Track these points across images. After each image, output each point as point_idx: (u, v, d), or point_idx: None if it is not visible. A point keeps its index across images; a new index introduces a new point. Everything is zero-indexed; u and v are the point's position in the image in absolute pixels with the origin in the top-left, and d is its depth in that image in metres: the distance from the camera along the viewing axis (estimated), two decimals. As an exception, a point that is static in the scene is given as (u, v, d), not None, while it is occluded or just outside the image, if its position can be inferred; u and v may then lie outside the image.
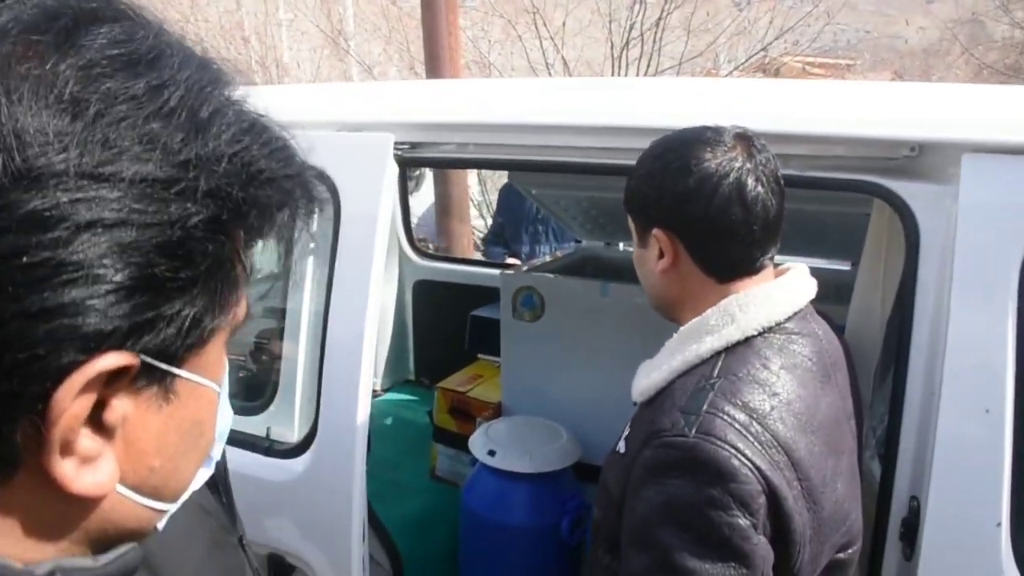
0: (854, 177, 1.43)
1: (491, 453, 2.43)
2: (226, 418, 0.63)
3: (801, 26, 9.12)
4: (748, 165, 1.18)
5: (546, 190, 2.97)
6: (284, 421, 1.92)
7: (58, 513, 0.46)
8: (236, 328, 0.53)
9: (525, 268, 2.92)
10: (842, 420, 1.28)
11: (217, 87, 0.48)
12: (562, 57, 8.95)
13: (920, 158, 1.39)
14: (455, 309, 3.47)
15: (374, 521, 1.94)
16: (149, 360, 0.45)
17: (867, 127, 1.45)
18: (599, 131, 1.56)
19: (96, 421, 0.44)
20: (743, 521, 1.08)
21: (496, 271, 3.34)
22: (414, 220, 4.24)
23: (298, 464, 1.76)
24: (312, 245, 2.02)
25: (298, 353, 1.94)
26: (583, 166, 1.63)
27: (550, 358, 2.72)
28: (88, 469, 0.45)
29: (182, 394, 0.49)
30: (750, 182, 1.17)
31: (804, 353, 1.22)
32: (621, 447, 1.28)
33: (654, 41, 8.30)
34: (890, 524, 1.39)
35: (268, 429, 1.88)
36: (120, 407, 0.45)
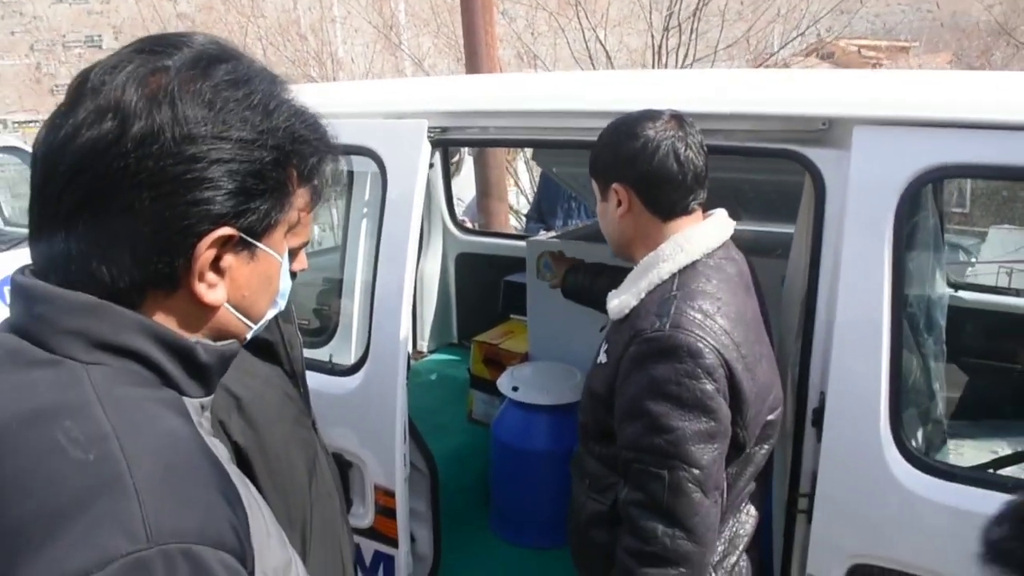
0: (780, 146, 1.83)
1: (515, 389, 2.88)
2: (287, 282, 1.01)
3: (854, 6, 9.30)
4: (680, 134, 1.60)
5: (565, 168, 3.40)
6: (343, 349, 2.42)
7: (196, 315, 0.88)
8: (292, 226, 0.96)
9: (548, 236, 3.35)
10: (759, 320, 1.71)
11: (277, 90, 0.91)
12: (604, 48, 9.28)
13: (829, 131, 1.77)
14: (492, 277, 3.92)
15: (414, 433, 2.40)
16: (242, 235, 0.87)
17: (793, 107, 1.85)
18: (582, 115, 2.00)
19: (216, 265, 0.86)
20: (710, 386, 1.50)
21: (517, 242, 3.79)
22: (458, 203, 4.70)
23: (353, 381, 2.23)
24: (365, 210, 2.49)
25: (354, 297, 2.43)
26: (563, 143, 2.07)
27: (568, 312, 3.14)
28: (212, 290, 0.87)
29: (260, 257, 0.91)
30: (680, 146, 1.59)
31: (731, 272, 1.66)
32: (603, 358, 1.70)
33: (692, 30, 8.61)
34: (807, 415, 1.79)
35: (331, 356, 2.37)
36: (227, 259, 0.87)
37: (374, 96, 2.55)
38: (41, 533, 0.66)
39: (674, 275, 1.62)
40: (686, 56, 8.91)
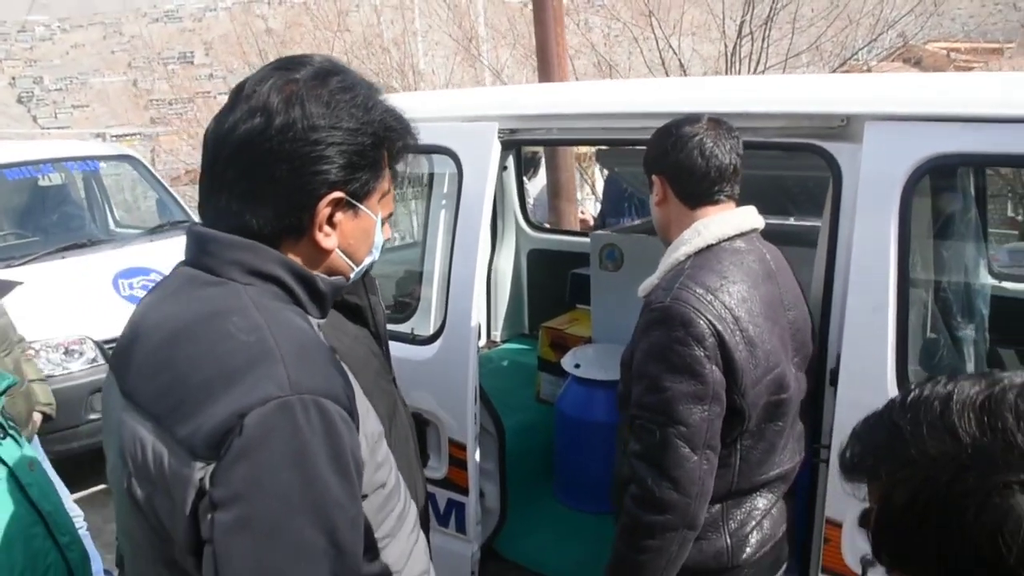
0: (804, 141, 2.08)
1: (577, 367, 3.18)
2: (380, 237, 1.31)
3: (938, 8, 9.28)
4: (710, 133, 1.84)
5: (625, 167, 3.69)
6: (422, 324, 2.76)
7: (315, 257, 1.21)
8: (383, 195, 1.28)
9: (609, 230, 3.64)
10: (777, 304, 1.88)
11: (373, 93, 1.23)
12: (677, 57, 9.49)
13: (848, 127, 2.02)
14: (560, 271, 4.22)
15: (484, 399, 2.71)
16: (348, 197, 1.20)
17: (817, 106, 2.11)
18: (629, 116, 2.30)
19: (330, 220, 1.19)
20: (699, 352, 1.69)
21: (585, 239, 4.08)
22: (530, 202, 5.04)
23: (431, 349, 2.57)
24: (444, 203, 2.83)
25: (433, 279, 2.78)
26: (615, 141, 2.36)
27: (627, 299, 3.42)
28: (327, 238, 1.20)
29: (361, 216, 1.23)
30: (709, 143, 1.83)
31: (748, 258, 1.85)
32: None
33: (763, 38, 8.77)
34: (827, 374, 2.04)
35: (412, 329, 2.72)
36: (338, 215, 1.19)
37: (452, 102, 2.90)
38: (222, 386, 1.00)
39: (689, 256, 1.82)
40: (758, 63, 9.07)
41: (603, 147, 3.87)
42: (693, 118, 1.88)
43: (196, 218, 6.33)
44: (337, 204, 1.17)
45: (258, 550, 0.97)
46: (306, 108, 1.12)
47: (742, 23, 8.85)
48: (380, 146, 1.19)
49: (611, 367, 3.18)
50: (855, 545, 1.98)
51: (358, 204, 1.20)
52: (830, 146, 2.03)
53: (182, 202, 6.56)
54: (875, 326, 1.92)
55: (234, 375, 1.01)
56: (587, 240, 4.33)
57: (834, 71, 9.47)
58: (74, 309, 4.95)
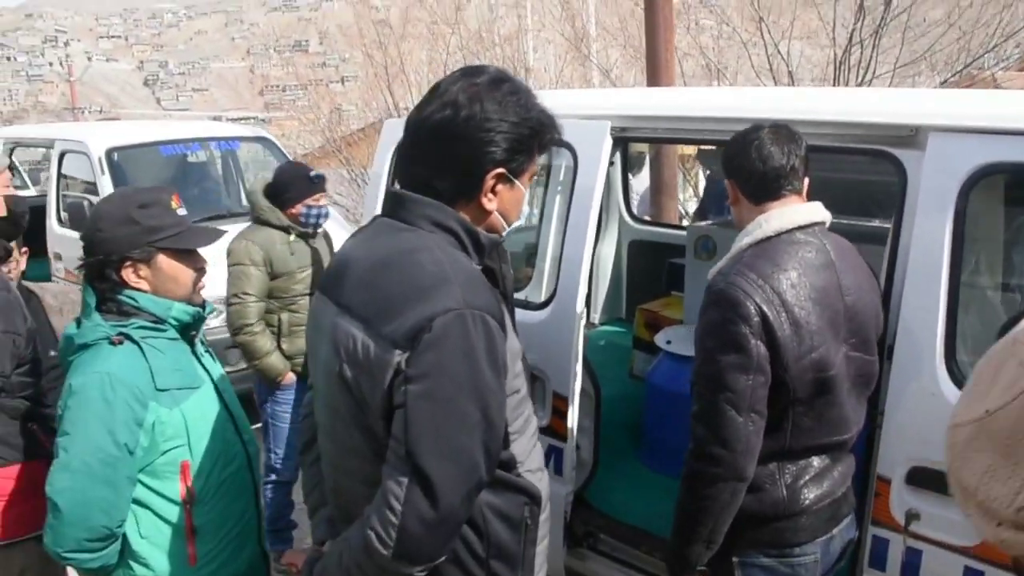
0: (877, 147, 2.40)
1: (668, 343, 3.55)
2: (525, 207, 1.75)
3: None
4: (770, 137, 2.10)
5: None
6: (536, 292, 3.20)
7: (479, 217, 1.62)
8: (532, 174, 1.69)
9: (705, 222, 3.99)
10: (833, 291, 2.04)
11: (533, 97, 1.63)
12: (785, 63, 9.62)
13: (916, 136, 2.33)
14: (657, 260, 4.58)
15: (586, 363, 3.11)
16: (508, 173, 1.61)
17: (889, 117, 2.42)
18: (724, 120, 2.66)
19: (492, 189, 1.61)
20: (744, 329, 1.93)
21: (683, 232, 4.43)
22: (634, 197, 5.41)
23: (542, 314, 2.99)
24: (559, 189, 3.25)
25: (547, 254, 3.20)
26: (710, 141, 2.71)
27: (718, 287, 3.77)
28: (490, 203, 1.61)
29: (515, 189, 1.64)
30: (765, 146, 2.09)
31: (807, 249, 2.07)
32: None
33: (873, 46, 8.82)
34: (885, 351, 2.35)
35: (526, 296, 3.15)
36: (499, 187, 1.60)
37: (571, 101, 3.31)
38: (416, 299, 1.44)
39: (750, 246, 2.06)
40: (867, 71, 9.11)
41: (705, 148, 4.21)
42: (756, 127, 2.14)
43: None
44: (499, 178, 1.58)
45: (436, 414, 1.41)
46: (484, 105, 1.53)
47: (853, 31, 8.92)
48: (534, 137, 1.60)
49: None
50: (902, 500, 2.30)
51: (514, 179, 1.61)
52: (898, 152, 2.35)
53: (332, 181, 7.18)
54: (927, 312, 2.23)
55: (425, 292, 1.45)
56: (683, 233, 4.70)
57: (944, 82, 9.43)
58: (216, 274, 5.58)
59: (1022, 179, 2.27)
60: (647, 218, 5.57)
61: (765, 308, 1.95)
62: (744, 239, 2.10)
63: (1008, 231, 2.44)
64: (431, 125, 1.55)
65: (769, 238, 2.05)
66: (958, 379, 2.21)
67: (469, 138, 1.53)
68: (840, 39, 9.19)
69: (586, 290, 2.92)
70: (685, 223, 5.98)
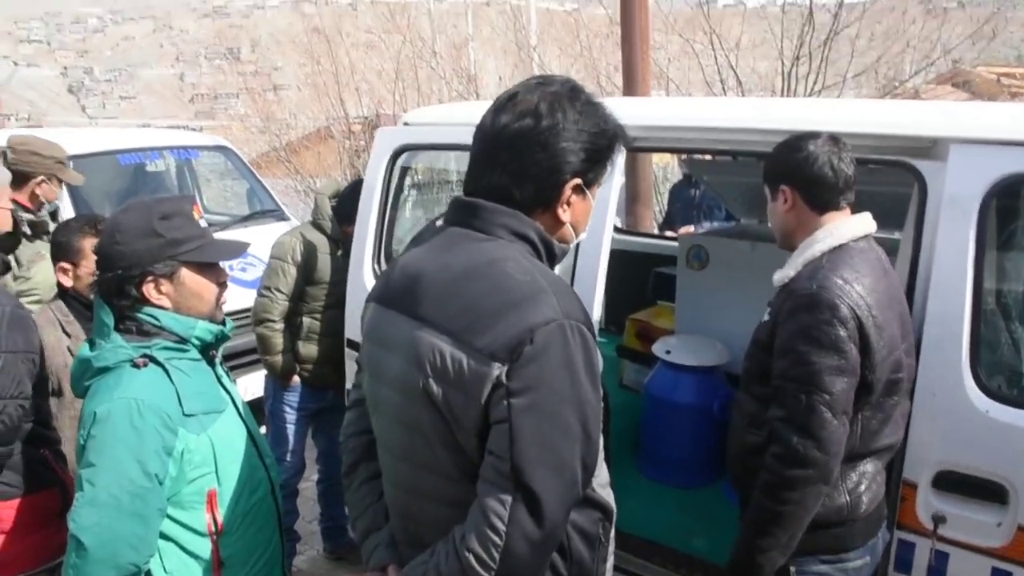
0: (896, 158, 2.45)
1: (667, 352, 3.56)
2: (587, 219, 1.71)
3: (990, 34, 9.52)
4: (834, 149, 2.17)
5: (715, 176, 4.07)
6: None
7: (554, 226, 1.58)
8: (600, 184, 1.67)
9: (696, 233, 4.03)
10: (895, 295, 2.16)
11: (607, 108, 1.62)
12: (735, 74, 9.82)
13: (934, 147, 2.38)
14: (636, 270, 4.60)
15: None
16: (581, 184, 1.59)
17: (908, 128, 2.47)
18: (722, 131, 2.69)
19: (568, 200, 1.58)
20: (843, 332, 1.98)
21: (665, 241, 4.47)
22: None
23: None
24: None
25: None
26: (700, 150, 2.74)
27: (711, 296, 3.81)
28: (564, 213, 1.58)
29: (587, 199, 1.61)
30: (834, 159, 2.16)
31: (871, 256, 2.16)
32: (766, 317, 2.26)
33: (822, 58, 9.07)
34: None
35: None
36: (574, 197, 1.58)
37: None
38: (511, 310, 1.40)
39: (824, 253, 2.12)
40: (815, 83, 9.36)
41: (695, 157, 4.25)
42: (814, 135, 2.20)
43: (282, 207, 6.81)
44: (575, 188, 1.56)
45: (540, 426, 1.37)
46: (566, 114, 1.51)
47: (800, 44, 9.15)
48: (610, 148, 1.59)
49: (699, 354, 3.57)
50: (929, 503, 2.34)
51: (586, 190, 1.59)
52: (918, 163, 2.40)
53: (272, 192, 7.04)
54: (952, 317, 2.27)
55: (520, 302, 1.40)
56: (662, 243, 4.74)
57: (883, 95, 9.76)
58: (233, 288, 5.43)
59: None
60: (623, 227, 5.61)
61: (857, 311, 2.00)
62: (815, 246, 2.14)
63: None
64: (511, 134, 1.51)
65: (841, 246, 2.11)
66: (983, 384, 2.26)
67: (550, 147, 1.51)
68: (788, 51, 9.44)
69: (602, 302, 2.90)
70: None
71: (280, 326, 3.77)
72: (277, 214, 6.67)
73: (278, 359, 3.79)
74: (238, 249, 2.23)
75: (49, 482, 2.23)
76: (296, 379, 3.87)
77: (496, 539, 1.37)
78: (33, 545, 2.22)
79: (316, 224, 3.84)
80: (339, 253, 3.79)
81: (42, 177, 3.85)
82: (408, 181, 3.87)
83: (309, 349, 3.83)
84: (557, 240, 1.61)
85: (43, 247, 3.63)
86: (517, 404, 1.37)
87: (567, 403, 1.40)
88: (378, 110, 12.47)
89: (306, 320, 3.82)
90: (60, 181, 3.91)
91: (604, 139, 1.56)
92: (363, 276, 3.49)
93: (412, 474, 1.57)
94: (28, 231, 3.74)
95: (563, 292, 1.47)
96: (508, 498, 1.37)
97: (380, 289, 1.67)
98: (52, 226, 3.74)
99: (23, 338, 2.18)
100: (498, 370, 1.38)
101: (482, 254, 1.50)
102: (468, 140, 3.66)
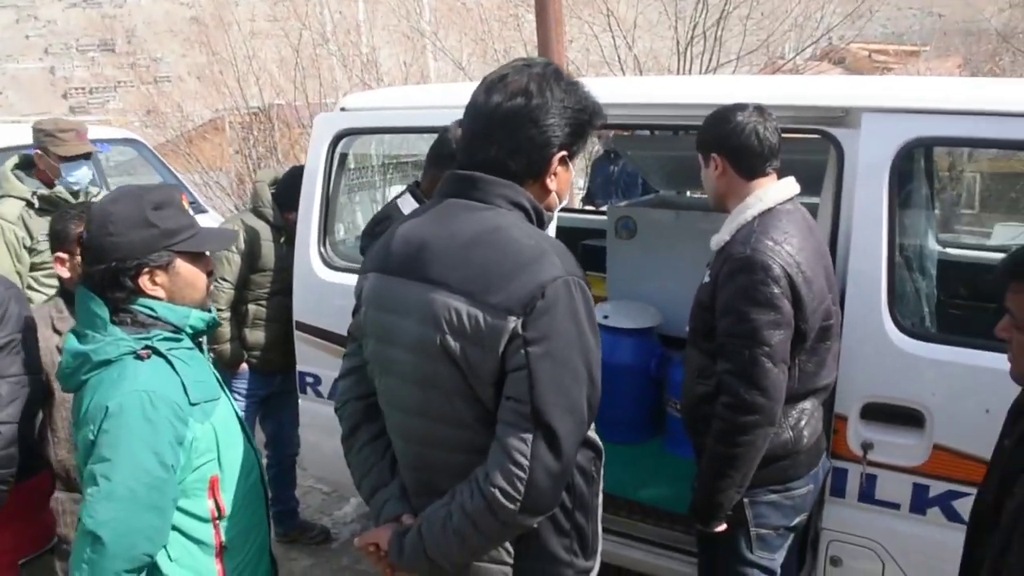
0: (814, 127, 2.71)
1: (605, 317, 3.78)
2: (569, 188, 1.87)
3: (866, 13, 10.13)
4: (760, 119, 2.37)
5: (638, 152, 4.31)
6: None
7: (542, 195, 1.71)
8: (577, 154, 1.84)
9: (623, 204, 4.26)
10: (820, 251, 2.36)
11: (587, 87, 1.79)
12: (634, 55, 10.17)
13: (848, 116, 2.65)
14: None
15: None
16: (566, 156, 1.75)
17: (823, 100, 2.73)
18: (660, 107, 2.91)
19: (555, 170, 1.74)
20: (776, 290, 2.17)
21: (590, 216, 4.70)
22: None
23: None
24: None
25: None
26: (636, 126, 2.96)
27: (640, 263, 4.05)
28: (552, 182, 1.73)
29: (568, 170, 1.76)
30: (760, 128, 2.36)
31: (796, 217, 2.36)
32: (706, 279, 2.46)
33: (715, 39, 9.51)
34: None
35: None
36: (559, 168, 1.72)
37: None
38: (521, 269, 1.56)
39: (755, 217, 2.30)
40: (710, 62, 9.81)
41: (618, 133, 4.49)
42: (742, 106, 2.38)
43: (199, 198, 6.73)
44: (561, 160, 1.72)
45: (555, 371, 1.54)
46: (553, 93, 1.67)
47: (695, 25, 9.57)
48: (590, 122, 1.75)
49: (635, 317, 3.80)
50: (858, 433, 2.62)
51: (569, 162, 1.76)
52: (835, 131, 2.66)
53: (187, 184, 6.94)
54: (872, 267, 2.55)
55: (529, 263, 1.57)
56: (587, 217, 4.97)
57: (773, 72, 10.30)
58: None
59: (942, 150, 2.62)
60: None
61: (788, 269, 2.20)
62: (747, 211, 2.33)
63: (933, 193, 2.82)
64: (504, 111, 1.66)
65: (770, 209, 2.31)
66: (901, 324, 2.55)
67: (540, 123, 1.66)
68: (681, 31, 9.85)
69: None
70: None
71: (227, 315, 3.81)
72: (195, 206, 6.59)
73: (226, 347, 3.83)
74: (229, 238, 2.23)
75: (39, 467, 2.26)
76: (244, 366, 3.92)
77: (520, 473, 1.53)
78: (29, 530, 2.25)
79: (257, 212, 3.88)
80: (282, 240, 3.84)
81: (38, 151, 3.78)
82: (349, 165, 3.96)
83: (256, 336, 3.89)
84: (545, 208, 1.77)
85: None
86: (534, 352, 1.53)
87: (575, 350, 1.57)
88: (271, 101, 12.18)
89: (251, 307, 3.87)
90: (58, 156, 3.74)
91: (585, 115, 1.72)
92: (310, 259, 3.57)
93: (427, 427, 1.71)
94: (36, 203, 3.72)
95: (562, 252, 1.64)
96: (529, 436, 1.54)
97: (380, 259, 1.78)
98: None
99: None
100: (514, 323, 1.54)
101: (486, 221, 1.65)
102: (406, 123, 3.78)
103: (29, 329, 2.17)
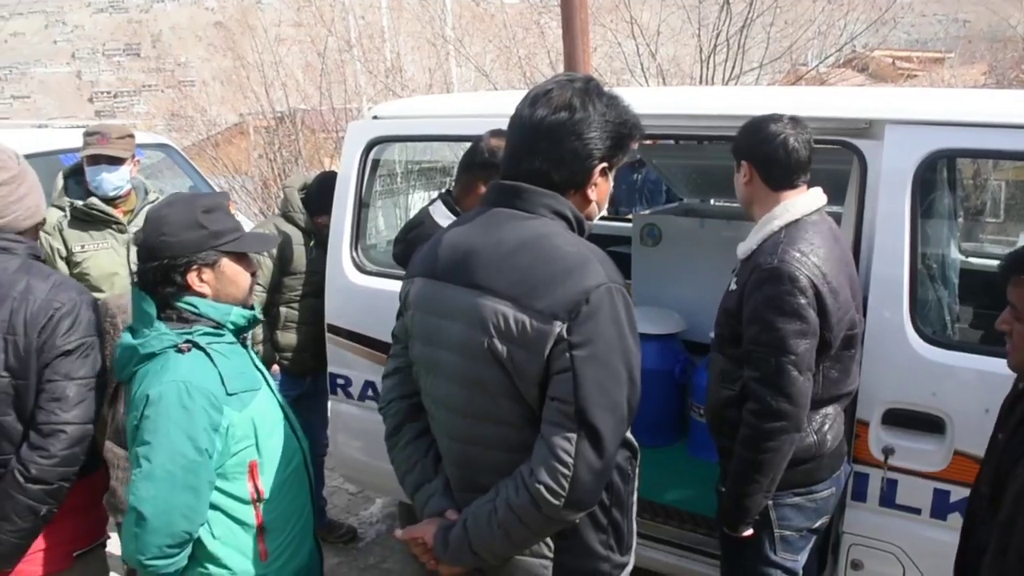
0: (838, 138, 2.77)
1: (630, 323, 3.85)
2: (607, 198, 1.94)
3: (891, 20, 10.12)
4: (792, 132, 2.42)
5: (663, 160, 4.38)
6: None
7: (583, 205, 1.79)
8: (616, 166, 1.92)
9: (648, 211, 4.33)
10: (845, 261, 2.41)
11: (626, 100, 1.86)
12: (657, 62, 10.20)
13: (871, 128, 2.71)
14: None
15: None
16: (606, 167, 1.82)
17: (846, 111, 2.79)
18: (687, 118, 2.97)
19: (595, 181, 1.81)
20: (803, 300, 2.22)
21: (615, 223, 4.77)
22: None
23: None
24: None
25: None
26: (661, 136, 3.04)
27: (665, 271, 4.12)
28: (593, 193, 1.80)
29: (608, 182, 1.83)
30: (791, 140, 2.41)
31: (824, 228, 2.37)
32: (733, 286, 2.53)
33: (739, 46, 9.52)
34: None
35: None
36: (599, 179, 1.80)
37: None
38: (565, 276, 1.63)
39: (782, 228, 2.36)
40: (732, 69, 9.81)
41: (647, 143, 4.56)
42: (776, 117, 2.41)
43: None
44: (601, 172, 1.80)
45: (598, 373, 1.61)
46: (596, 107, 1.74)
47: (718, 33, 9.58)
48: (630, 136, 1.83)
49: (658, 323, 3.87)
50: (879, 438, 2.67)
51: (609, 173, 1.84)
52: (859, 143, 2.72)
53: (215, 188, 7.03)
54: (894, 276, 2.60)
55: (573, 270, 1.64)
56: (612, 224, 5.04)
57: (796, 80, 10.31)
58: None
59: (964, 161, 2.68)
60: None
61: (815, 281, 2.25)
62: (773, 222, 2.38)
63: (956, 203, 2.87)
64: (549, 125, 1.73)
65: (797, 220, 2.37)
66: (922, 332, 2.61)
67: (583, 136, 1.73)
68: (704, 39, 9.86)
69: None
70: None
71: (260, 316, 3.88)
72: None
73: (258, 349, 3.90)
74: (271, 241, 2.35)
75: (98, 464, 2.36)
76: (276, 368, 3.99)
77: (564, 470, 1.61)
78: (85, 523, 2.35)
79: (287, 216, 3.96)
80: (312, 244, 3.93)
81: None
82: (381, 172, 4.05)
83: (287, 338, 3.97)
84: (585, 217, 1.83)
85: (90, 235, 3.73)
86: (579, 355, 1.60)
87: (617, 353, 1.64)
88: (295, 106, 12.31)
89: (283, 310, 3.96)
90: (91, 158, 3.68)
91: (625, 128, 1.79)
92: (342, 264, 3.66)
93: (472, 426, 1.78)
94: (68, 215, 3.71)
95: (604, 260, 1.71)
96: (573, 435, 1.61)
97: (427, 265, 1.86)
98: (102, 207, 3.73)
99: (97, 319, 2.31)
100: (559, 327, 1.61)
101: (530, 230, 1.72)
102: (438, 131, 3.87)
103: (100, 334, 2.29)
